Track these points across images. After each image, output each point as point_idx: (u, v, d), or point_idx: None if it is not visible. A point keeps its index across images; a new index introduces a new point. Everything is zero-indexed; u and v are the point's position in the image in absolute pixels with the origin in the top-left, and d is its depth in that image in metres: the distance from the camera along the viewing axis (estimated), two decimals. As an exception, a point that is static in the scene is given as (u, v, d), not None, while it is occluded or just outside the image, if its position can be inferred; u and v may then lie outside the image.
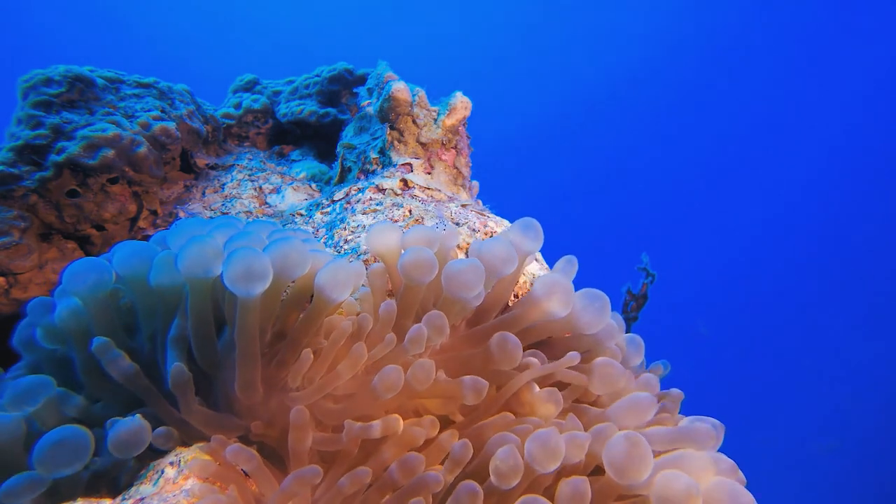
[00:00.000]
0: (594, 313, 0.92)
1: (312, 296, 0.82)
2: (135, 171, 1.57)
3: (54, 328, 0.88)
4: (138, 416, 0.74)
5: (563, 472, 0.78)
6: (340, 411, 0.82)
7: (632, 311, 3.06)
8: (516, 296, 1.17)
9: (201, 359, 0.83)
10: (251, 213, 1.66)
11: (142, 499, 0.68)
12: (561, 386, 0.93)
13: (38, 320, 0.91)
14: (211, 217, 1.59)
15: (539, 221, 1.00)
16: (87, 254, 1.54)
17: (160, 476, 0.72)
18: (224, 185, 1.79)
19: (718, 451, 0.88)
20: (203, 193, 1.73)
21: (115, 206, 1.54)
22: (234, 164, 1.92)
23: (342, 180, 1.75)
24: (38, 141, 1.46)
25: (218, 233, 0.86)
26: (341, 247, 1.24)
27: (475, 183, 1.72)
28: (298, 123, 2.26)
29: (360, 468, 0.76)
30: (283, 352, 0.83)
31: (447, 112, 1.58)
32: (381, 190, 1.43)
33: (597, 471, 0.82)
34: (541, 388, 0.88)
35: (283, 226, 1.46)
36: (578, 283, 0.97)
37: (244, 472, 0.77)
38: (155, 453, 0.77)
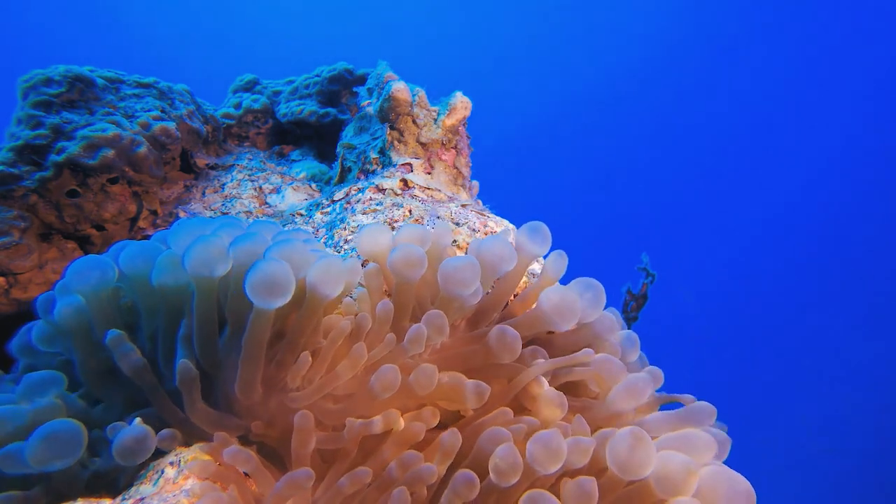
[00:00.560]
0: (588, 302, 0.92)
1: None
2: (135, 171, 1.57)
3: (54, 325, 0.87)
4: (143, 424, 0.73)
5: (566, 474, 0.78)
6: (340, 411, 0.82)
7: (632, 311, 3.05)
8: (516, 295, 1.17)
9: (203, 358, 0.83)
10: (251, 213, 1.66)
11: (142, 499, 0.68)
12: (566, 386, 0.93)
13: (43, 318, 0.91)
14: (211, 217, 1.59)
15: (539, 222, 0.99)
16: (87, 254, 1.54)
17: (160, 476, 0.72)
18: (224, 185, 1.79)
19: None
20: (203, 193, 1.73)
21: (115, 206, 1.54)
22: (234, 164, 1.92)
23: (342, 180, 1.75)
24: (38, 141, 1.46)
25: (223, 232, 0.86)
26: (341, 247, 1.24)
27: (475, 183, 1.72)
28: (298, 123, 2.27)
29: (360, 468, 0.76)
30: (281, 352, 0.82)
31: (447, 112, 1.58)
32: (381, 190, 1.42)
33: (599, 467, 0.82)
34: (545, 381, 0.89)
35: (283, 226, 1.46)
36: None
37: (244, 472, 0.77)
38: (155, 453, 0.77)
